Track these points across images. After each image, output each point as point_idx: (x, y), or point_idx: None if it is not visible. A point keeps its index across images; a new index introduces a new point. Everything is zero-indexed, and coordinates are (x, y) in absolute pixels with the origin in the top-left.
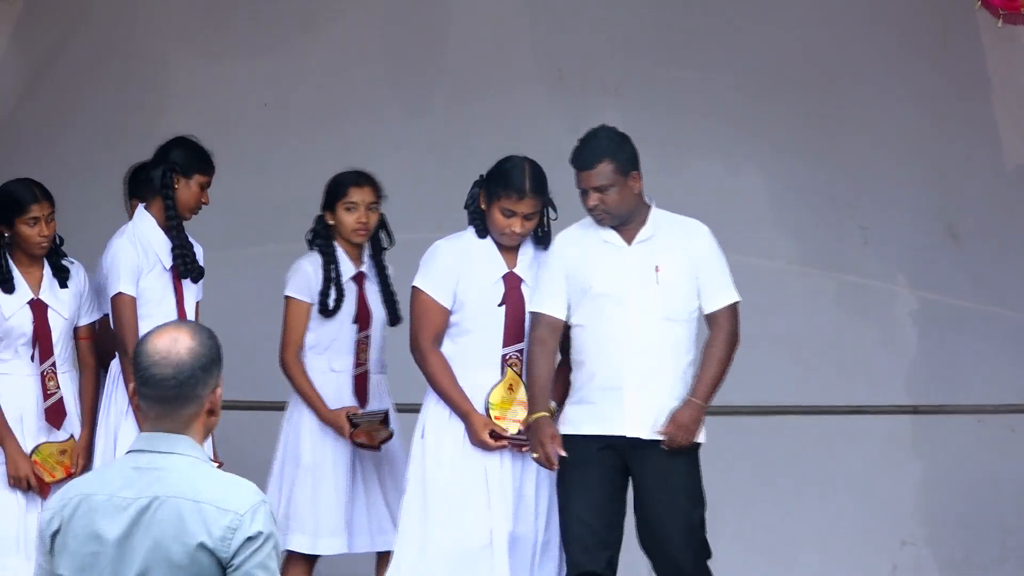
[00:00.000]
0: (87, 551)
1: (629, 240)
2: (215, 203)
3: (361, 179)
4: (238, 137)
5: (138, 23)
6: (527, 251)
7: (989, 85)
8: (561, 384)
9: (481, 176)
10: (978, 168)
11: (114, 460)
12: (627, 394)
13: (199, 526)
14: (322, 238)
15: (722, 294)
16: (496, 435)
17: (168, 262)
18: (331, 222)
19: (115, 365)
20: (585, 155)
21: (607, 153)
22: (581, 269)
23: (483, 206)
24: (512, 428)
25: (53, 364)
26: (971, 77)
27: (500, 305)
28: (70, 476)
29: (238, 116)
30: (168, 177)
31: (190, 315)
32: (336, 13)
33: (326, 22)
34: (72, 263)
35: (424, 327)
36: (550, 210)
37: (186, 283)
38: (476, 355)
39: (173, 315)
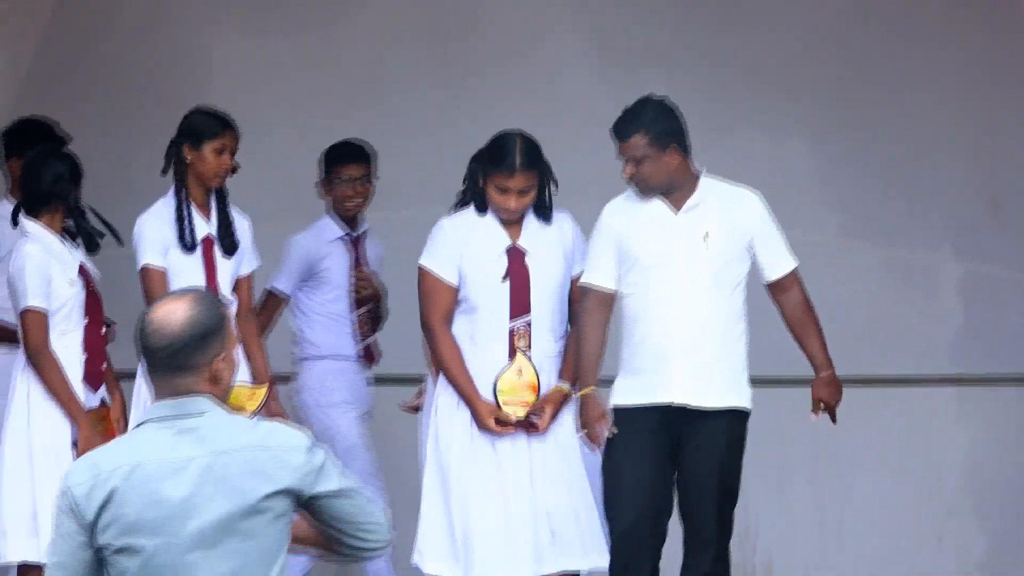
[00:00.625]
0: (151, 516)
1: (677, 207)
2: (250, 178)
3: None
4: (278, 114)
5: (179, 2)
6: (530, 223)
7: None
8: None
9: (479, 152)
10: (1022, 141)
11: (138, 430)
12: (674, 361)
13: (276, 470)
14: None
15: (784, 261)
16: (502, 422)
17: (200, 235)
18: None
19: None
20: (621, 126)
21: (643, 125)
22: (629, 238)
23: (481, 183)
24: (520, 412)
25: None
26: (1017, 52)
27: (504, 279)
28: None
29: (278, 93)
30: (175, 149)
31: (224, 289)
32: None
33: (363, 2)
34: None
35: (433, 306)
36: (551, 183)
37: (220, 257)
38: (484, 330)
39: None
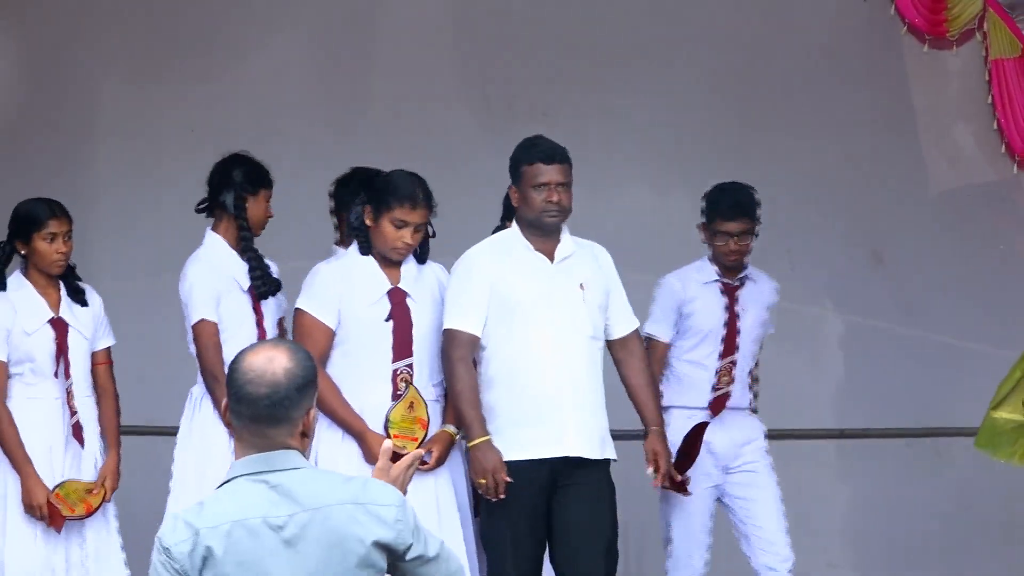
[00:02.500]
0: (253, 574)
1: (550, 258)
2: (158, 228)
3: None
4: (166, 163)
5: (68, 48)
6: (409, 266)
7: (914, 110)
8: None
9: (363, 194)
10: (902, 193)
11: (231, 485)
12: (567, 412)
13: (373, 525)
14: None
15: (631, 318)
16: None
17: (245, 283)
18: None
19: (196, 389)
20: (554, 150)
21: (567, 155)
22: (507, 284)
23: (369, 223)
24: (410, 447)
25: (72, 384)
26: (897, 102)
27: (388, 320)
28: (90, 515)
29: (166, 142)
30: (240, 197)
31: (271, 333)
32: (264, 40)
33: (255, 48)
34: (86, 286)
35: (311, 349)
36: (432, 227)
37: (264, 301)
38: (366, 372)
39: (254, 336)
